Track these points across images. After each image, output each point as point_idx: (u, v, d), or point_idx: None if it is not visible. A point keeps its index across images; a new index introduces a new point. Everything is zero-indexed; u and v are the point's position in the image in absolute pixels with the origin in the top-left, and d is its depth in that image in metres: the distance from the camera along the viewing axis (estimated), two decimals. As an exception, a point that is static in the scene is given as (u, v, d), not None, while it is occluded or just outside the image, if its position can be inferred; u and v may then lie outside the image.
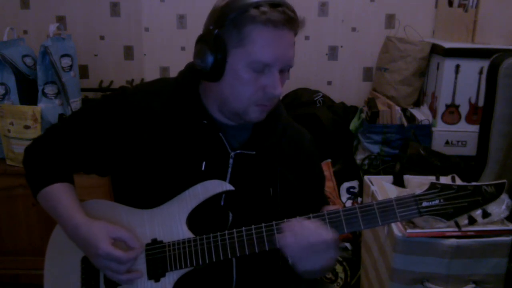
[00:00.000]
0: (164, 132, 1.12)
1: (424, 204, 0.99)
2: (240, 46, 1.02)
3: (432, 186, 1.00)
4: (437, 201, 0.99)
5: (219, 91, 1.08)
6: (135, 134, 1.12)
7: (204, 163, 1.11)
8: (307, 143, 1.25)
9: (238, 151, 1.13)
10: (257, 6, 1.00)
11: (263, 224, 1.04)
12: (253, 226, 1.05)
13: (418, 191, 1.00)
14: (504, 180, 0.97)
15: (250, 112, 1.08)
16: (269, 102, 1.08)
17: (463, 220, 1.00)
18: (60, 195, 1.13)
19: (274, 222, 1.04)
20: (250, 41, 1.01)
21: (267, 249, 1.04)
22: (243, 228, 1.05)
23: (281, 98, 1.42)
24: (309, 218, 1.03)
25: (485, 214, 0.98)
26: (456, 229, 1.49)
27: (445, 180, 1.02)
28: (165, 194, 1.11)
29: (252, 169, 1.14)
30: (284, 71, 1.07)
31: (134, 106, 1.13)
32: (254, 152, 1.14)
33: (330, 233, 0.99)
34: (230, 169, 1.13)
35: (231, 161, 1.13)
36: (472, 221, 0.99)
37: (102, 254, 1.04)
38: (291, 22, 1.03)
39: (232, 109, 1.09)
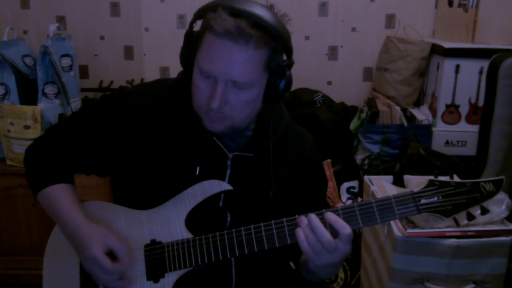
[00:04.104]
0: (160, 135, 1.12)
1: (423, 201, 0.99)
2: (197, 49, 1.01)
3: (430, 183, 1.00)
4: (435, 198, 0.99)
5: None
6: (133, 134, 1.12)
7: (198, 168, 1.10)
8: (309, 146, 1.24)
9: (235, 153, 1.13)
10: (214, 10, 0.96)
11: (262, 224, 1.04)
12: (252, 226, 1.04)
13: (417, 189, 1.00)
14: (502, 177, 0.97)
15: (203, 119, 1.06)
16: (211, 112, 1.01)
17: (463, 220, 1.00)
18: (60, 196, 1.13)
19: (273, 221, 1.03)
20: (201, 45, 1.00)
21: (266, 248, 1.03)
22: (242, 228, 1.05)
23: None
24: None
25: (484, 211, 0.97)
26: (456, 229, 1.49)
27: (443, 178, 1.02)
28: (162, 196, 1.11)
29: (251, 171, 1.14)
30: (240, 88, 0.99)
31: (132, 107, 1.13)
32: (251, 155, 1.14)
33: (349, 228, 0.98)
34: (228, 171, 1.13)
35: (229, 162, 1.13)
36: (470, 218, 0.98)
37: (89, 257, 1.05)
38: (241, 36, 0.94)
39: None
